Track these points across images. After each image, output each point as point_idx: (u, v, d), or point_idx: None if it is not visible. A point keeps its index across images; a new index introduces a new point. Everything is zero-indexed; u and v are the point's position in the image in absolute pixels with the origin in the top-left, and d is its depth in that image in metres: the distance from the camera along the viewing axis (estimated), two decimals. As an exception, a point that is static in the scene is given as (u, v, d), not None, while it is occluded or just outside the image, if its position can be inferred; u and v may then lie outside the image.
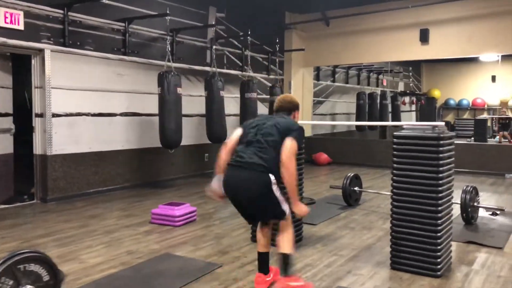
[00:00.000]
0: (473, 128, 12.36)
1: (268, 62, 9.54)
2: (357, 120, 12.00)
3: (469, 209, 4.58)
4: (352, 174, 5.57)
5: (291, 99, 3.18)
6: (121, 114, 6.38)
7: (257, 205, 2.78)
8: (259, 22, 9.01)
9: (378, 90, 13.98)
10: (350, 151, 9.84)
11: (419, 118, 18.32)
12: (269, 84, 8.95)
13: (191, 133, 7.38)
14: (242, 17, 8.64)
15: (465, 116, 18.12)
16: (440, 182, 3.08)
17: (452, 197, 3.33)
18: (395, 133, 3.25)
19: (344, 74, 12.65)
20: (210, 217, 4.89)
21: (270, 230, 2.98)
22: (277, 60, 9.12)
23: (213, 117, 6.68)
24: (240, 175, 2.75)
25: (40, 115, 5.54)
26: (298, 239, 3.96)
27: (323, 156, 9.70)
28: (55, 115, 5.54)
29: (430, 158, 3.10)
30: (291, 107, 3.13)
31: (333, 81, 12.07)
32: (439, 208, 3.10)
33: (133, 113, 6.52)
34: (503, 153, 8.31)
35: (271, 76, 9.69)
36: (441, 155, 3.07)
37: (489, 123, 13.69)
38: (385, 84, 15.23)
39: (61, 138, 5.59)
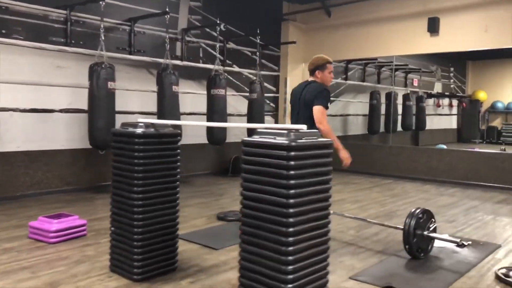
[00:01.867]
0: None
1: (259, 57, 8.71)
2: (370, 122, 10.81)
3: (414, 239, 3.53)
4: None
5: (313, 59, 3.76)
6: (62, 111, 5.89)
7: None
8: (250, 13, 8.24)
9: (407, 91, 12.65)
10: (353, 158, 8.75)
11: (460, 123, 16.61)
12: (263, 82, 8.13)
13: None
14: (229, 8, 7.92)
15: (515, 121, 16.08)
16: (290, 204, 2.18)
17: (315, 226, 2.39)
18: (244, 138, 2.38)
19: (360, 72, 11.46)
20: (106, 233, 4.20)
21: None
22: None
23: (164, 114, 6.00)
24: None
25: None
26: (171, 269, 3.18)
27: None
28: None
29: (277, 174, 2.20)
30: (313, 68, 3.75)
31: (346, 78, 10.94)
32: (289, 239, 2.19)
33: (76, 109, 6.01)
34: (526, 166, 6.88)
35: (262, 72, 8.86)
36: (292, 171, 2.16)
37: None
38: (416, 84, 13.77)
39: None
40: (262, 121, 7.74)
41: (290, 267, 2.18)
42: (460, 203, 5.94)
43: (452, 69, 15.88)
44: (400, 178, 7.89)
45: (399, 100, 11.84)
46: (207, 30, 7.64)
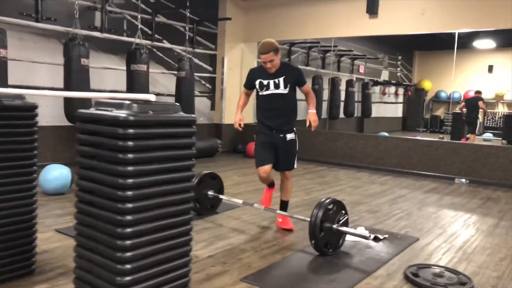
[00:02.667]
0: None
1: (194, 33, 8.11)
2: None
3: (321, 234, 3.16)
4: (204, 174, 4.17)
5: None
6: None
7: None
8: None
9: (352, 77, 12.46)
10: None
11: (406, 112, 16.77)
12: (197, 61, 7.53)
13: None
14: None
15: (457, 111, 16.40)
16: (127, 197, 1.68)
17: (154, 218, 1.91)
18: (80, 110, 1.84)
19: (304, 56, 11.09)
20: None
21: None
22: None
23: (71, 90, 5.31)
24: None
25: None
26: (26, 272, 2.62)
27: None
28: None
29: (112, 159, 1.70)
30: None
31: (289, 61, 10.53)
32: (126, 242, 1.70)
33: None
34: (459, 154, 6.76)
35: (198, 50, 8.27)
36: (129, 154, 1.66)
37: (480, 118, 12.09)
38: (362, 71, 13.62)
39: None
40: (192, 102, 7.18)
41: (127, 278, 1.70)
42: (388, 192, 5.70)
43: (399, 57, 15.93)
44: (335, 165, 7.62)
45: (343, 87, 11.60)
46: (133, 0, 6.93)
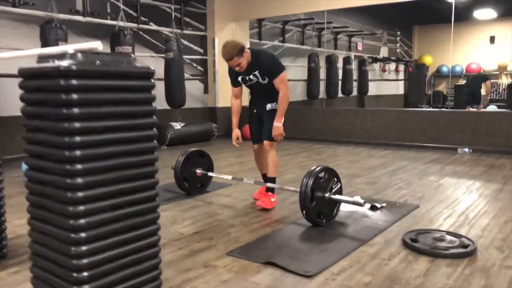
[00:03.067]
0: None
1: (181, 14, 7.86)
2: (308, 87, 10.26)
3: (313, 203, 2.97)
4: (191, 151, 3.98)
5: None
6: None
7: None
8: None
9: (349, 55, 12.16)
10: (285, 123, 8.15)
11: (408, 88, 16.45)
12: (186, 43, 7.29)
13: None
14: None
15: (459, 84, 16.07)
16: (76, 171, 1.49)
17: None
18: (20, 66, 1.65)
19: (299, 34, 10.80)
20: None
21: None
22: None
23: None
24: None
25: None
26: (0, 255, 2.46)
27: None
28: None
29: (55, 116, 1.51)
30: None
31: (283, 41, 10.26)
32: (80, 221, 1.52)
33: None
34: (460, 122, 6.53)
35: (187, 32, 8.04)
36: (74, 108, 1.47)
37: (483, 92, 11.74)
38: (360, 48, 13.31)
39: None
40: (182, 83, 6.97)
41: (84, 261, 1.52)
42: (388, 164, 5.50)
43: (398, 33, 15.58)
44: (334, 143, 7.40)
45: (340, 64, 11.32)
46: (115, -19, 6.69)
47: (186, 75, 7.77)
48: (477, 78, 10.20)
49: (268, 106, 3.52)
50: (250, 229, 3.05)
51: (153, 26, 7.44)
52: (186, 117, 7.85)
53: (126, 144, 1.63)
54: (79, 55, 1.50)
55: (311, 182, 2.95)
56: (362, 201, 3.00)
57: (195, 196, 3.93)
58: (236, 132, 3.65)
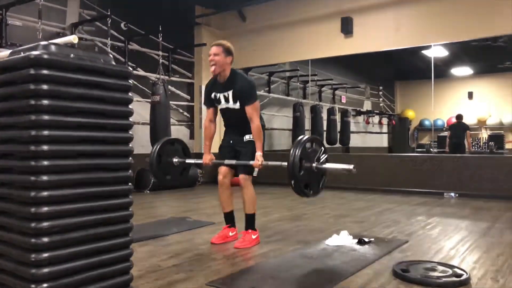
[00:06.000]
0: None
1: (169, 61, 8.00)
2: (294, 135, 10.32)
3: (300, 173, 2.79)
4: (161, 142, 3.60)
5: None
6: None
7: None
8: (160, 15, 7.57)
9: (336, 107, 12.40)
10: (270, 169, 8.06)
11: (391, 141, 16.71)
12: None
13: None
14: (134, 8, 7.25)
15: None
16: (41, 150, 1.38)
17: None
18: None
19: (285, 85, 11.05)
20: None
21: None
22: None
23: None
24: None
25: None
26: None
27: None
28: None
29: (25, 107, 1.42)
30: None
31: (269, 91, 10.45)
32: (43, 224, 1.38)
33: None
34: (445, 168, 6.54)
35: (174, 79, 8.14)
36: (44, 100, 1.39)
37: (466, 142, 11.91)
38: (344, 101, 13.61)
39: None
40: (168, 127, 6.93)
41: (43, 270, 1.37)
42: (375, 206, 5.40)
43: (381, 88, 16.07)
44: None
45: (325, 115, 11.49)
46: (104, 27, 6.83)
47: (172, 120, 7.77)
48: (460, 127, 10.42)
49: (246, 137, 3.28)
50: (233, 262, 2.88)
51: (141, 72, 7.52)
52: (170, 162, 7.74)
53: (97, 145, 1.53)
54: (53, 46, 1.44)
55: (299, 151, 2.78)
56: (351, 166, 2.87)
57: (176, 233, 3.75)
58: (209, 156, 3.40)
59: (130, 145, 1.64)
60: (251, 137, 3.26)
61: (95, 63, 1.52)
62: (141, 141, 7.35)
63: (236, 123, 3.30)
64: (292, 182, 2.79)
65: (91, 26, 6.77)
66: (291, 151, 2.82)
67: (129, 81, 1.63)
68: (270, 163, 3.20)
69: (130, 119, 1.65)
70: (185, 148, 3.76)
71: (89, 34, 6.74)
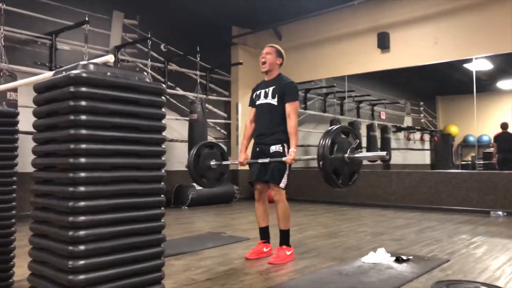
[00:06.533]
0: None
1: (207, 80, 8.20)
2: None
3: (332, 156, 2.66)
4: (199, 145, 3.65)
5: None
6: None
7: None
8: (198, 36, 7.83)
9: (375, 123, 12.24)
10: (307, 186, 8.01)
11: (434, 157, 16.19)
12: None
13: None
14: (173, 29, 7.56)
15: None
16: (79, 163, 1.46)
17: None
18: (36, 82, 1.69)
19: (321, 102, 11.02)
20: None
21: None
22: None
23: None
24: None
25: None
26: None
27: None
28: None
29: (64, 122, 1.51)
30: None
31: (305, 108, 10.45)
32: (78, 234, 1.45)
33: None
34: (491, 184, 6.25)
35: (211, 97, 8.32)
36: (82, 116, 1.47)
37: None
38: (383, 117, 13.39)
39: None
40: (205, 145, 7.05)
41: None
42: (415, 224, 5.23)
43: (422, 103, 15.69)
44: (358, 206, 7.17)
45: (363, 132, 11.33)
46: (145, 49, 7.12)
47: (210, 138, 7.92)
48: (506, 138, 9.92)
49: (272, 148, 3.28)
50: (266, 277, 2.87)
51: (179, 91, 7.75)
52: (208, 179, 7.88)
53: (131, 158, 1.60)
54: (91, 66, 1.53)
55: (332, 137, 2.68)
56: (384, 153, 2.78)
57: (211, 247, 3.78)
58: (244, 155, 3.46)
59: (163, 158, 1.69)
60: (278, 147, 3.27)
61: (129, 80, 1.60)
62: (180, 158, 7.54)
63: (269, 120, 3.33)
64: (321, 163, 2.64)
65: (133, 48, 7.08)
66: (323, 136, 2.71)
67: (162, 97, 1.69)
68: (302, 157, 3.17)
69: (165, 134, 1.71)
70: (223, 154, 3.77)
71: (131, 56, 7.04)
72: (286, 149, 3.27)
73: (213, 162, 3.67)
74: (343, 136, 2.78)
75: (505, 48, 6.24)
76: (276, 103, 3.30)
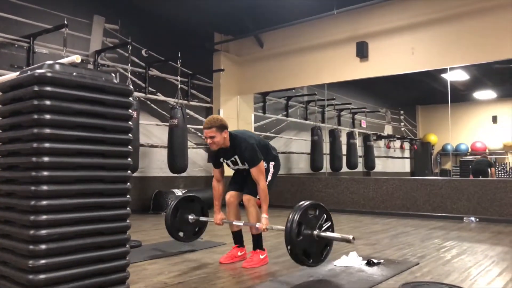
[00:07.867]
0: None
1: (188, 86, 8.22)
2: (312, 159, 10.29)
3: (300, 238, 2.77)
4: (180, 198, 3.91)
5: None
6: None
7: None
8: (179, 43, 7.84)
9: (356, 131, 12.38)
10: (287, 192, 8.06)
11: (414, 165, 16.45)
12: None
13: None
14: (155, 35, 7.56)
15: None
16: (43, 162, 1.47)
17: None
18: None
19: (303, 110, 11.12)
20: None
21: None
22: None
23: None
24: None
25: None
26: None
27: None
28: None
29: (28, 122, 1.52)
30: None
31: (286, 115, 10.54)
32: (41, 232, 1.46)
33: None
34: (465, 191, 6.39)
35: (193, 103, 8.33)
36: (46, 115, 1.49)
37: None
38: (364, 125, 13.57)
39: None
40: (185, 149, 7.05)
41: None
42: (391, 229, 5.31)
43: (402, 112, 15.95)
44: (336, 212, 7.23)
45: (344, 140, 11.45)
46: (126, 54, 7.10)
47: (191, 144, 7.92)
48: (483, 164, 10.32)
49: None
50: (238, 280, 2.89)
51: (160, 97, 7.74)
52: (189, 185, 7.86)
53: (96, 157, 1.61)
54: (57, 65, 1.55)
55: (298, 216, 2.79)
56: (351, 237, 2.84)
57: (187, 252, 3.79)
58: (220, 215, 3.48)
59: (129, 159, 1.71)
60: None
61: (95, 81, 1.62)
62: (159, 164, 7.52)
63: (247, 178, 3.38)
64: (289, 248, 2.74)
65: (114, 53, 7.05)
66: (290, 215, 2.79)
67: (130, 98, 1.71)
68: (274, 226, 3.20)
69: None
70: (203, 208, 3.87)
71: (112, 61, 7.02)
72: (271, 165, 3.44)
73: (191, 217, 3.77)
74: (310, 212, 2.85)
75: (479, 58, 6.43)
76: (248, 167, 3.30)
